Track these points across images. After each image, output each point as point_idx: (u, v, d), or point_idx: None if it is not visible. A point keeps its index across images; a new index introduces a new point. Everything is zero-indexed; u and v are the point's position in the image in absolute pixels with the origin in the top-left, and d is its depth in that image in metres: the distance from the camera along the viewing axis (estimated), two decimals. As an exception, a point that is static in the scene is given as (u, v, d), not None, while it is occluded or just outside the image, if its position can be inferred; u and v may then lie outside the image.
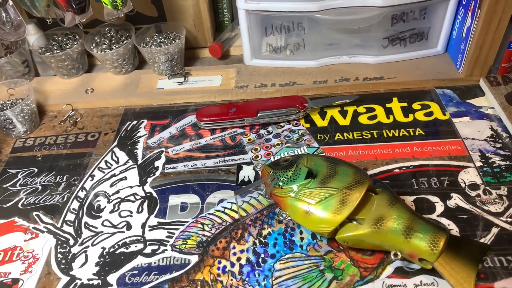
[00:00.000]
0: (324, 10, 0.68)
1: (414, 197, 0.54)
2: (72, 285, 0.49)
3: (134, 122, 0.70)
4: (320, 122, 0.66)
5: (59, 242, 0.54)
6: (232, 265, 0.49)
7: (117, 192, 0.59)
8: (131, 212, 0.56)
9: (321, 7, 0.68)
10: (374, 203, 0.47)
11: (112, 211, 0.56)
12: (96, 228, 0.55)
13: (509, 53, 0.66)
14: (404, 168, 0.58)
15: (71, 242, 0.54)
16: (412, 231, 0.44)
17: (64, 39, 0.78)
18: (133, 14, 0.68)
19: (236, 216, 0.53)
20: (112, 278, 0.49)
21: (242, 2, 0.69)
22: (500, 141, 0.60)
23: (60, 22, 0.65)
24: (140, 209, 0.56)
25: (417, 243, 0.44)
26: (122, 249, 0.52)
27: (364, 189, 0.47)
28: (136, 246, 0.52)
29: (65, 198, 0.59)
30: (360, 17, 0.70)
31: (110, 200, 0.58)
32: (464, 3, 0.68)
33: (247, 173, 0.59)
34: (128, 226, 0.54)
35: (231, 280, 0.47)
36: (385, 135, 0.63)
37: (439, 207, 0.52)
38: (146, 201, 0.57)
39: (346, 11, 0.69)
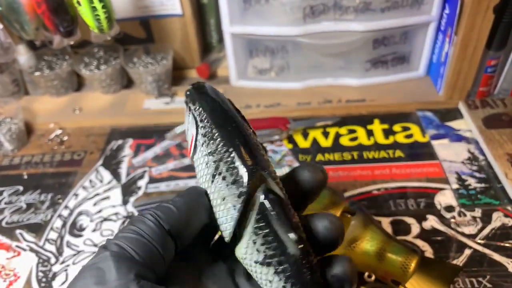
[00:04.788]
0: (307, 34, 0.70)
1: (391, 218, 0.55)
2: (51, 304, 0.50)
3: (120, 142, 0.71)
4: (303, 143, 0.68)
5: (41, 260, 0.54)
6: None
7: (100, 211, 0.60)
8: (112, 231, 0.57)
9: (305, 31, 0.70)
10: (350, 225, 0.48)
11: (94, 230, 0.57)
12: (78, 246, 0.56)
13: (486, 77, 0.68)
14: (382, 190, 0.59)
15: (53, 260, 0.54)
16: (384, 252, 0.45)
17: (54, 59, 0.80)
18: (120, 37, 0.69)
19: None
20: (91, 298, 0.50)
21: (227, 26, 0.71)
22: (476, 163, 0.61)
23: (49, 44, 0.67)
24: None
25: (389, 264, 0.45)
26: (102, 268, 0.53)
27: (340, 210, 0.48)
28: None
29: (49, 217, 0.59)
30: (342, 41, 0.72)
31: (93, 219, 0.58)
32: (442, 29, 0.70)
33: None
34: (110, 245, 0.55)
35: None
36: (365, 157, 0.64)
37: (415, 229, 0.53)
38: (128, 220, 0.58)
39: (328, 35, 0.71)
